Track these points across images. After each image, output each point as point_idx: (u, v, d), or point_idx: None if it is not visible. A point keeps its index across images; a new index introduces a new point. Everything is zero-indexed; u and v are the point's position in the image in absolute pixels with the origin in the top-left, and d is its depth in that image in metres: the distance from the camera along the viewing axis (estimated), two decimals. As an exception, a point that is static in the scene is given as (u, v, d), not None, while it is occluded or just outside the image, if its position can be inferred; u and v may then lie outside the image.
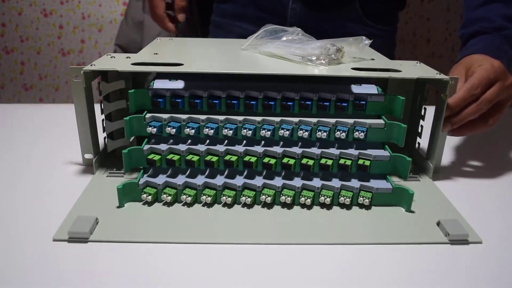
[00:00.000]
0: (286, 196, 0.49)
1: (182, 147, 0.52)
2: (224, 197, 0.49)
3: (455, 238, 0.45)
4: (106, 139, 0.59)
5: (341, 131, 0.52)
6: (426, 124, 0.60)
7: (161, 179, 0.50)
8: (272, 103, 0.53)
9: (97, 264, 0.41)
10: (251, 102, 0.53)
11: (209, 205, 0.50)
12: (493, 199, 0.55)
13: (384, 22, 0.89)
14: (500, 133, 0.78)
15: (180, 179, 0.51)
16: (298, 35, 0.65)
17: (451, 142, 0.71)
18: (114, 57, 0.58)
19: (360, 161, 0.51)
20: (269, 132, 0.52)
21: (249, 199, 0.49)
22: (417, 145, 0.62)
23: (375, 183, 0.51)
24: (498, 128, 0.80)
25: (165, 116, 0.52)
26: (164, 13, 0.86)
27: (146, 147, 0.52)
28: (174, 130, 0.52)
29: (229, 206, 0.50)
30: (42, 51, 1.53)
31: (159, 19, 0.87)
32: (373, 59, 0.62)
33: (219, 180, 0.50)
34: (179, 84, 0.56)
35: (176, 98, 0.53)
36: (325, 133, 0.52)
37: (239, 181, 0.50)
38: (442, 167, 0.62)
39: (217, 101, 0.53)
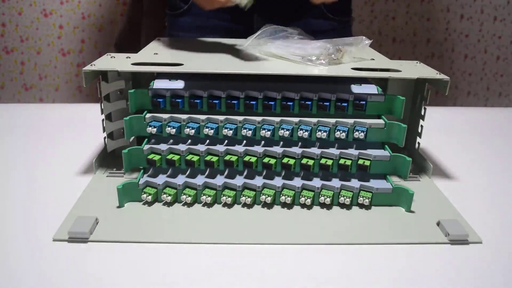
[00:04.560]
0: (286, 196, 0.49)
1: (182, 147, 0.52)
2: (224, 197, 0.49)
3: (455, 238, 0.45)
4: (106, 139, 0.59)
5: (341, 131, 0.52)
6: (426, 124, 0.60)
7: (161, 179, 0.50)
8: (272, 103, 0.53)
9: (97, 264, 0.41)
10: (251, 102, 0.53)
11: (209, 205, 0.50)
12: (493, 199, 0.55)
13: (343, 14, 0.93)
14: (500, 132, 0.78)
15: (180, 179, 0.51)
16: (298, 35, 0.65)
17: (451, 142, 0.71)
18: (114, 57, 0.58)
19: (360, 161, 0.51)
20: (269, 132, 0.52)
21: (249, 199, 0.49)
22: (417, 145, 0.62)
23: (375, 183, 0.51)
24: (498, 127, 0.80)
25: (165, 116, 0.52)
26: None
27: (146, 147, 0.52)
28: (174, 130, 0.52)
29: (229, 206, 0.50)
30: (42, 51, 1.53)
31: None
32: (373, 59, 0.62)
33: (219, 180, 0.50)
34: (179, 84, 0.56)
35: (176, 98, 0.53)
36: (325, 133, 0.52)
37: (239, 181, 0.50)
38: (442, 167, 0.62)
39: (217, 101, 0.53)
